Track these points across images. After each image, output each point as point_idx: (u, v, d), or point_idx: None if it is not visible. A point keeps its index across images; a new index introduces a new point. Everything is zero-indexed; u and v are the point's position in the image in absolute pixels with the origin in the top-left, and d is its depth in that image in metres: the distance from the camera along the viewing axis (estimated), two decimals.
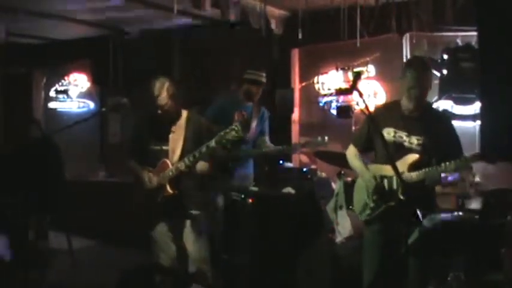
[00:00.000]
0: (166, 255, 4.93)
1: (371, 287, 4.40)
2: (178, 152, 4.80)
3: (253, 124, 6.25)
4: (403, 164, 4.17)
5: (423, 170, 4.14)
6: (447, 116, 4.68)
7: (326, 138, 5.98)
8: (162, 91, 4.80)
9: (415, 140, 4.25)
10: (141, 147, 4.95)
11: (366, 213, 4.40)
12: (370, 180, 4.34)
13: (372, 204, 4.36)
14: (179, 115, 4.92)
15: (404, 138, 4.27)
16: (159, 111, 4.84)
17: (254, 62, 8.46)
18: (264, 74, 6.31)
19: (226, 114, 5.98)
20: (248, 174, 6.37)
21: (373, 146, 4.47)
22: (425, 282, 4.52)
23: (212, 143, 4.55)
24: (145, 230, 5.00)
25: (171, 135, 4.85)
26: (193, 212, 4.88)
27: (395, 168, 3.74)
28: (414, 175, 4.15)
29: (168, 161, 4.78)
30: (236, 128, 4.47)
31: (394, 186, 4.23)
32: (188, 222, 4.87)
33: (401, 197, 4.17)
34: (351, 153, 4.59)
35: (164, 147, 4.85)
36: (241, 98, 6.24)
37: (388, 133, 4.28)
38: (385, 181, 4.28)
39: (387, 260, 4.35)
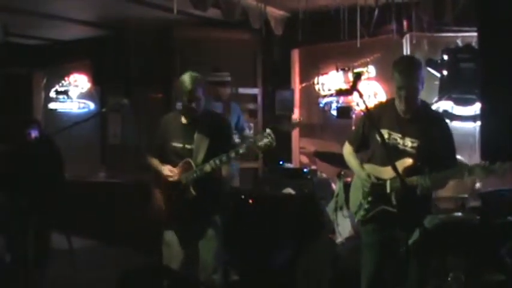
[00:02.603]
0: (176, 260, 4.69)
1: (368, 286, 4.38)
2: (203, 153, 4.54)
3: None
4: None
5: (414, 177, 4.03)
6: (442, 117, 4.56)
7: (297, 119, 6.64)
8: (198, 87, 4.52)
9: (409, 142, 4.15)
10: (163, 144, 4.71)
11: (361, 214, 4.36)
12: (366, 180, 4.30)
13: (366, 206, 4.31)
14: (207, 115, 4.70)
15: (399, 140, 4.18)
16: (189, 108, 4.56)
17: (254, 62, 8.55)
18: (227, 74, 6.75)
19: None
20: (235, 174, 6.44)
21: (368, 145, 4.40)
22: (425, 283, 4.51)
23: (243, 149, 4.34)
24: (156, 231, 4.79)
25: (196, 135, 4.59)
26: (215, 217, 4.67)
27: (395, 170, 3.71)
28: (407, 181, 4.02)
29: (191, 161, 4.53)
30: (269, 137, 4.24)
31: (388, 189, 4.18)
32: (208, 229, 4.63)
33: (394, 202, 4.14)
34: (347, 151, 4.52)
35: (187, 146, 4.59)
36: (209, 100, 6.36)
37: (383, 134, 4.14)
38: (380, 184, 4.23)
39: (384, 259, 4.34)
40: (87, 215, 7.99)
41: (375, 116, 4.20)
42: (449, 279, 4.77)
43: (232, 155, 4.37)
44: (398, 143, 4.18)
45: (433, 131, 4.16)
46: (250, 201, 6.04)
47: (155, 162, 4.78)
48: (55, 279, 6.14)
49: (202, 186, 4.53)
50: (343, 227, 5.91)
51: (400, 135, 4.18)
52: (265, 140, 4.23)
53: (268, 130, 4.30)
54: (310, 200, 6.13)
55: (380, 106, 4.57)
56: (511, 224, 4.90)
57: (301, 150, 8.40)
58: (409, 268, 4.26)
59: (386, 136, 4.17)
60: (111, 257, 7.42)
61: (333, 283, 5.49)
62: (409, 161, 4.11)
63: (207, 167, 4.44)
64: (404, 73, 4.10)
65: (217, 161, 4.41)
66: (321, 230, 5.91)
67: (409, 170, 4.08)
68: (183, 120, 4.68)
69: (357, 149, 4.49)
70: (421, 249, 4.21)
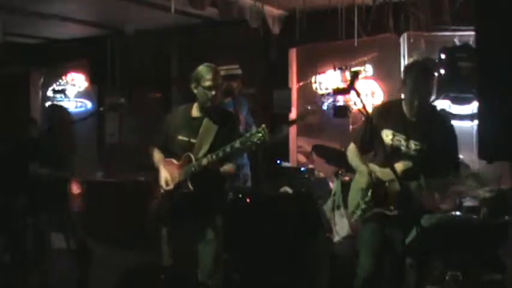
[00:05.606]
0: (174, 258, 4.63)
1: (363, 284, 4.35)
2: (206, 147, 4.44)
3: (241, 118, 6.19)
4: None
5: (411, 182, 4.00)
6: (449, 120, 4.48)
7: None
8: (218, 77, 4.50)
9: (413, 145, 4.11)
10: (171, 137, 4.60)
11: (358, 214, 4.34)
12: (366, 175, 4.24)
13: (363, 206, 4.28)
14: (217, 109, 4.60)
15: (403, 142, 4.13)
16: (208, 97, 4.44)
17: (252, 61, 8.53)
18: (237, 66, 6.33)
19: None
20: (248, 174, 6.39)
21: (372, 146, 4.35)
22: (423, 282, 4.51)
23: (237, 144, 4.21)
24: (156, 229, 4.73)
25: (201, 129, 4.49)
26: (215, 217, 4.57)
27: (394, 171, 3.69)
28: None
29: (192, 156, 4.40)
30: (263, 131, 4.15)
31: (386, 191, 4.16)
32: (207, 229, 4.52)
33: (391, 204, 4.12)
34: (351, 152, 4.43)
35: (192, 140, 4.49)
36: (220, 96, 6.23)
37: (387, 135, 4.14)
38: (379, 185, 4.21)
39: (381, 260, 4.31)
40: (85, 215, 7.97)
41: (378, 117, 4.17)
42: (446, 278, 4.77)
43: (228, 149, 4.25)
44: (402, 145, 4.14)
45: (438, 135, 4.11)
46: (248, 200, 6.04)
47: (157, 156, 4.67)
48: (54, 279, 6.13)
49: (201, 183, 4.39)
50: (341, 226, 5.91)
51: (404, 137, 4.14)
52: (259, 135, 4.16)
53: (263, 125, 4.21)
54: (308, 199, 6.12)
55: (384, 106, 4.52)
56: (509, 223, 4.90)
57: (298, 149, 8.40)
58: (406, 267, 4.26)
59: (390, 137, 4.14)
60: (108, 256, 7.41)
61: (331, 282, 5.49)
62: (408, 164, 4.07)
63: (204, 161, 4.32)
64: (418, 83, 4.05)
65: (214, 156, 4.29)
66: (318, 229, 5.91)
67: (407, 173, 4.03)
68: (193, 113, 4.59)
69: (361, 148, 4.40)
70: (418, 248, 4.21)
